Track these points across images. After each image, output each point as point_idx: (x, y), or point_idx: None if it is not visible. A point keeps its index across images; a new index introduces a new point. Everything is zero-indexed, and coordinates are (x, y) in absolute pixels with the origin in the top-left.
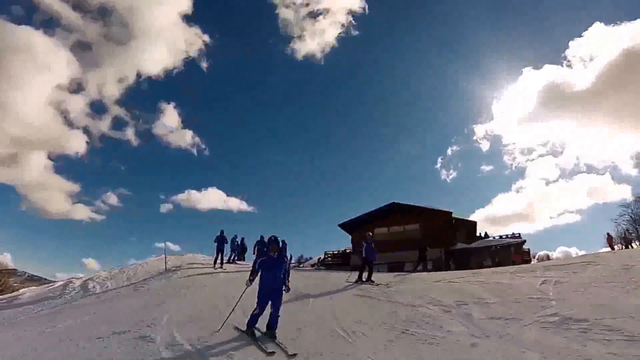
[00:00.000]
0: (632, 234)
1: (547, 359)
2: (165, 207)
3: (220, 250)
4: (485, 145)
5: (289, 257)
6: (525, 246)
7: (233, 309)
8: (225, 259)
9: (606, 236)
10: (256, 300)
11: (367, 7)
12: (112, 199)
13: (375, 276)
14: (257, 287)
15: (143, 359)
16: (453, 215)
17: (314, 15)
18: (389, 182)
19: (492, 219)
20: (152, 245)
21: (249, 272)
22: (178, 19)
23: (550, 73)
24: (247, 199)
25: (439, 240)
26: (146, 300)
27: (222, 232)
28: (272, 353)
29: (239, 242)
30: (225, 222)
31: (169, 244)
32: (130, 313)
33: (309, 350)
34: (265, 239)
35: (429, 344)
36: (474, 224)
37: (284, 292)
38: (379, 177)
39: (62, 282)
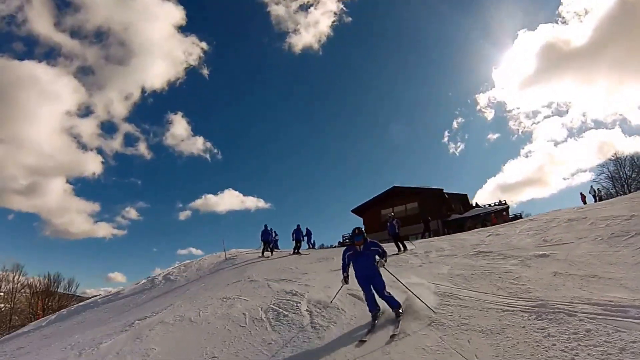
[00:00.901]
0: (606, 192)
1: (452, 268)
2: (183, 215)
3: (265, 241)
4: (489, 114)
5: (313, 243)
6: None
7: (334, 297)
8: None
9: (580, 195)
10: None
11: None
12: (132, 213)
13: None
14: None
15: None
16: (445, 191)
17: (305, 7)
18: (398, 164)
19: (504, 187)
20: (175, 253)
21: (341, 269)
22: (173, 30)
23: (545, 32)
24: (264, 196)
25: (436, 213)
26: (240, 270)
27: (265, 226)
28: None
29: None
30: (245, 221)
31: (191, 249)
32: (253, 273)
33: None
34: (303, 229)
35: (397, 267)
36: (465, 196)
37: (382, 270)
38: (387, 159)
39: (145, 279)
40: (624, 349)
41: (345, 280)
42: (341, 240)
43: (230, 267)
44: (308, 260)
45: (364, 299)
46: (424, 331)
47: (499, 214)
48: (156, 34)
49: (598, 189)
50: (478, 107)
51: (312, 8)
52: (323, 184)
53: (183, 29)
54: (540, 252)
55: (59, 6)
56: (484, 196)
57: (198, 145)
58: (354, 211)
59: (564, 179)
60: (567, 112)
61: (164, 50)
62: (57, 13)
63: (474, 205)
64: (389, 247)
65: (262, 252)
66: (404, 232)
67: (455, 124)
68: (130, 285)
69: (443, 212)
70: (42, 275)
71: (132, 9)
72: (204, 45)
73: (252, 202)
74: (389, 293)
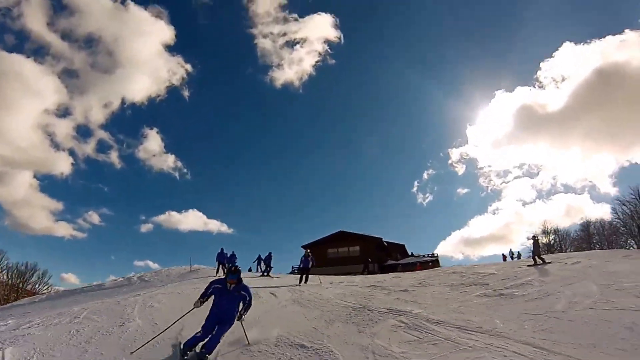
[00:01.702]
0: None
1: (336, 290)
2: (145, 227)
3: (220, 263)
4: (460, 169)
5: (270, 267)
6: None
7: (170, 326)
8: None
9: (502, 255)
10: (203, 322)
11: (342, 36)
12: (94, 217)
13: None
14: (208, 310)
15: None
16: (384, 240)
17: (291, 44)
18: (364, 206)
19: (468, 241)
20: (132, 263)
21: (201, 294)
22: (161, 48)
23: (522, 95)
24: (227, 222)
25: (375, 258)
26: (204, 279)
27: (222, 249)
28: None
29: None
30: (205, 243)
31: (149, 261)
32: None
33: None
34: (227, 253)
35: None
36: (402, 246)
37: (235, 321)
38: (353, 200)
39: (122, 278)
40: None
41: (201, 303)
42: (290, 271)
43: (195, 277)
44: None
45: (196, 332)
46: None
47: (425, 264)
48: (144, 50)
49: (518, 252)
50: (450, 161)
51: (298, 46)
52: (286, 217)
53: (171, 49)
54: (404, 289)
55: (54, 7)
56: (446, 248)
57: (169, 162)
58: (304, 246)
59: (528, 238)
60: (537, 174)
61: (149, 66)
62: (52, 13)
63: (410, 254)
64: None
65: (216, 272)
66: (345, 270)
67: (425, 175)
68: (107, 282)
69: (382, 257)
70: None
71: (124, 22)
72: (188, 67)
73: (215, 226)
74: (222, 339)
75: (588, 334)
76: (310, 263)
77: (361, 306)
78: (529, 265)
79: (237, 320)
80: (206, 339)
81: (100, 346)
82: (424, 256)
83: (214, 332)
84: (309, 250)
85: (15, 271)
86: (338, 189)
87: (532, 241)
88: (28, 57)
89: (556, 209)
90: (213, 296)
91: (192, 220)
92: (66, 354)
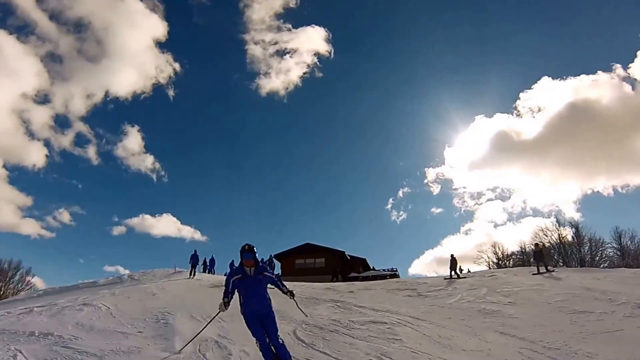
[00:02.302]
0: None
1: (298, 289)
2: (117, 230)
3: (193, 265)
4: (436, 189)
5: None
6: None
7: (203, 329)
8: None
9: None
10: (250, 330)
11: (333, 51)
12: (65, 216)
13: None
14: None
15: None
16: (347, 254)
17: (281, 54)
18: (337, 220)
19: (440, 260)
20: (101, 268)
21: (222, 293)
22: (152, 43)
23: (501, 121)
24: (201, 228)
25: (339, 269)
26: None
27: (195, 251)
28: None
29: (210, 260)
30: (178, 249)
31: (119, 267)
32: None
33: None
34: (205, 257)
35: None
36: (364, 260)
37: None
38: (328, 214)
39: (114, 277)
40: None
41: (225, 305)
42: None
43: (179, 277)
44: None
45: (256, 345)
46: None
47: (384, 277)
48: (134, 42)
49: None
50: (426, 181)
51: (288, 56)
52: (260, 226)
53: (161, 45)
54: (351, 291)
55: None
56: (420, 266)
57: (147, 163)
58: (275, 256)
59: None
60: (509, 197)
61: (137, 61)
62: None
63: (372, 268)
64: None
65: (190, 274)
66: (312, 280)
67: (400, 193)
68: (101, 280)
69: (345, 270)
70: None
71: (117, 11)
72: (177, 66)
73: (189, 232)
74: (282, 340)
75: (454, 314)
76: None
77: (312, 297)
78: (533, 274)
79: (291, 298)
80: (273, 347)
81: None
82: (384, 270)
83: (268, 340)
84: (265, 260)
85: None
86: (312, 201)
87: (534, 248)
88: (10, 33)
89: (525, 231)
90: (237, 292)
91: (165, 225)
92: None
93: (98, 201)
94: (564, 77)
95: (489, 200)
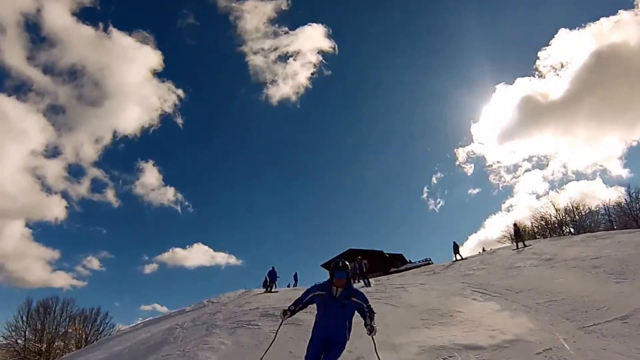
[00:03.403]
0: None
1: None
2: (149, 268)
3: (272, 281)
4: (469, 169)
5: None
6: None
7: (271, 344)
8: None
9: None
10: (307, 346)
11: (336, 46)
12: (94, 263)
13: None
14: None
15: None
16: (386, 252)
17: (283, 58)
18: (375, 220)
19: (486, 243)
20: (138, 309)
21: (294, 300)
22: (149, 75)
23: (523, 86)
24: (235, 252)
25: (380, 267)
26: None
27: (273, 268)
28: None
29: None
30: (214, 278)
31: (156, 305)
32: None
33: None
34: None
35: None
36: (400, 255)
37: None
38: (364, 216)
39: (195, 304)
40: None
41: (287, 313)
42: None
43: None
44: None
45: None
46: None
47: (417, 267)
48: (132, 77)
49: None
50: (457, 162)
51: (291, 59)
52: (294, 240)
53: (159, 74)
54: (387, 279)
55: (33, 40)
56: (466, 252)
57: (169, 195)
58: (323, 266)
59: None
60: (547, 165)
61: (138, 95)
62: (31, 46)
63: (409, 261)
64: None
65: (269, 289)
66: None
67: (434, 180)
68: (188, 308)
69: (386, 267)
70: None
71: (108, 50)
72: (180, 92)
73: (223, 258)
74: None
75: (444, 279)
76: (364, 267)
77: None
78: (513, 250)
79: (370, 334)
80: None
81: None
82: (419, 262)
83: None
84: (359, 257)
85: (82, 317)
86: (345, 205)
87: (513, 227)
88: (9, 95)
89: (570, 198)
90: (316, 307)
91: (197, 255)
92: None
93: (125, 243)
94: (583, 25)
95: (526, 171)
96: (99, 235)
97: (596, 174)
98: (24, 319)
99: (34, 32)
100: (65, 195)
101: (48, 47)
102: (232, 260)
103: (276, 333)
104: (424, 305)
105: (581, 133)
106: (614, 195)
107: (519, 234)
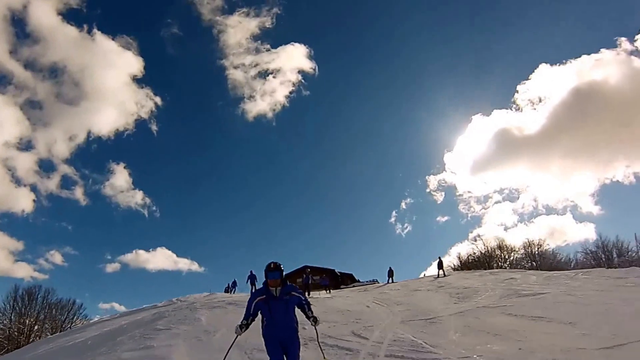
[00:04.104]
0: None
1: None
2: (111, 267)
3: (253, 284)
4: (439, 197)
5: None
6: None
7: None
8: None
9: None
10: (267, 353)
11: (317, 67)
12: (57, 257)
13: None
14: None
15: None
16: (337, 271)
17: (263, 75)
18: (343, 241)
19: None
20: (96, 306)
21: (243, 315)
22: (129, 80)
23: (500, 118)
24: (198, 259)
25: (331, 285)
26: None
27: (251, 271)
28: None
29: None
30: (175, 282)
31: (114, 304)
32: None
33: None
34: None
35: None
36: (351, 275)
37: (300, 333)
38: (330, 234)
39: (166, 301)
40: None
41: (241, 328)
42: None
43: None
44: None
45: None
46: None
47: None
48: (111, 81)
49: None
50: (428, 190)
51: (271, 76)
52: (259, 252)
53: (139, 80)
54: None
55: (17, 34)
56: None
57: (137, 199)
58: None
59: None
60: (518, 197)
61: (116, 98)
62: (15, 41)
63: (357, 280)
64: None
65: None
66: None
67: (403, 205)
68: (160, 304)
69: (337, 284)
70: None
71: (91, 52)
72: (157, 99)
73: (186, 264)
74: None
75: (367, 295)
76: (310, 279)
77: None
78: (434, 277)
79: (314, 324)
80: None
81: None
82: (366, 281)
83: None
84: (308, 270)
85: (59, 306)
86: (311, 223)
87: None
88: None
89: (539, 231)
90: (260, 314)
91: (160, 259)
92: None
93: (89, 241)
94: (564, 61)
95: (496, 202)
96: (64, 231)
97: (567, 209)
98: (11, 303)
99: (19, 27)
100: (34, 188)
101: (31, 44)
102: (195, 267)
103: (230, 346)
104: (335, 308)
105: (555, 168)
106: (584, 230)
107: (441, 266)
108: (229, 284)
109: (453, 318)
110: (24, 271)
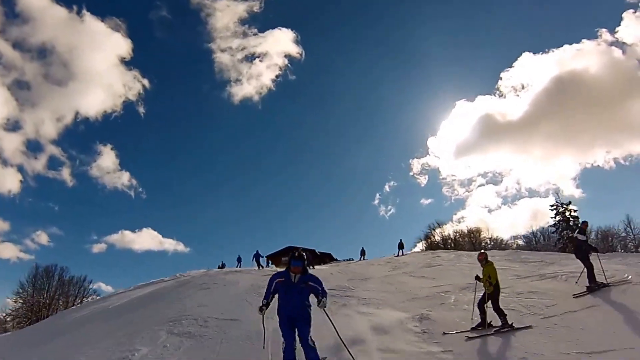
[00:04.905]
0: None
1: None
2: (97, 247)
3: (258, 262)
4: (423, 180)
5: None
6: None
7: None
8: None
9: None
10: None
11: (303, 52)
12: (43, 237)
13: None
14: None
15: None
16: (317, 251)
17: (250, 59)
18: (326, 222)
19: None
20: (69, 288)
21: (264, 294)
22: (117, 62)
23: (484, 104)
24: (183, 240)
25: (314, 262)
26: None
27: (257, 251)
28: None
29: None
30: (160, 262)
31: (101, 284)
32: None
33: None
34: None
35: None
36: (329, 254)
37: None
38: (314, 215)
39: (173, 275)
40: None
41: (261, 309)
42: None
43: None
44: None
45: (282, 345)
46: None
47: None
48: (100, 62)
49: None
50: (412, 173)
51: (257, 60)
52: (243, 232)
53: (127, 62)
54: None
55: (6, 14)
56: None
57: (123, 180)
58: (268, 257)
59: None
60: (501, 181)
61: (104, 80)
62: (4, 20)
63: (335, 259)
64: None
65: (258, 267)
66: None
67: (387, 188)
68: (167, 278)
69: (316, 263)
70: None
71: (79, 33)
72: (145, 82)
73: (171, 245)
74: (314, 343)
75: (339, 269)
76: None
77: None
78: (395, 256)
79: (319, 306)
80: (303, 348)
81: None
82: (343, 260)
83: (301, 342)
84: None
85: (72, 282)
86: (296, 204)
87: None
88: None
89: (522, 214)
90: (277, 294)
91: (146, 239)
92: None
93: (76, 221)
94: (546, 50)
95: (480, 185)
96: (50, 212)
97: (549, 192)
98: (32, 280)
99: (9, 6)
100: (21, 169)
101: (20, 23)
102: (180, 247)
103: (263, 326)
104: None
105: (537, 152)
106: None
107: (401, 246)
108: (222, 263)
109: (378, 278)
110: (9, 251)
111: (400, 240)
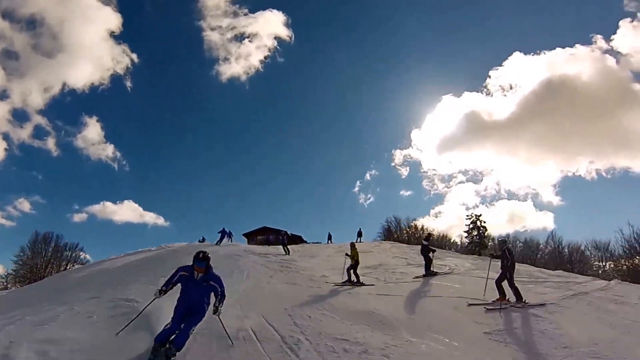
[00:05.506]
0: None
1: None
2: (79, 217)
3: (221, 239)
4: (404, 171)
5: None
6: None
7: (138, 315)
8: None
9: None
10: (172, 314)
11: (293, 36)
12: (25, 205)
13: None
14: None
15: None
16: (289, 232)
17: (240, 38)
18: (305, 204)
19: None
20: (62, 254)
21: (165, 281)
22: (106, 35)
23: (470, 101)
24: (164, 214)
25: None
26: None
27: (223, 229)
28: None
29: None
30: (139, 235)
31: (80, 253)
32: None
33: None
34: (226, 230)
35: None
36: (300, 236)
37: (206, 313)
38: (293, 198)
39: (156, 247)
40: None
41: (160, 293)
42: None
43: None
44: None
45: (165, 325)
46: None
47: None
48: (89, 35)
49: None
50: (393, 163)
51: (247, 40)
52: (223, 210)
53: (117, 36)
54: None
55: None
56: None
57: (108, 152)
58: (244, 235)
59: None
60: (481, 180)
61: (93, 53)
62: None
63: (304, 241)
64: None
65: (218, 243)
66: (267, 250)
67: (368, 176)
68: (154, 248)
69: (288, 243)
70: None
71: (70, 5)
72: (134, 56)
73: (151, 218)
74: (191, 334)
75: (304, 251)
76: (285, 240)
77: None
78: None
79: (214, 314)
80: (175, 333)
81: None
82: (312, 242)
83: (182, 326)
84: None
85: (66, 248)
86: (277, 186)
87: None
88: None
89: (499, 215)
90: (180, 284)
91: (127, 211)
92: None
93: (58, 190)
94: (538, 51)
95: (460, 182)
96: (34, 180)
97: (528, 196)
98: (31, 244)
99: None
100: (6, 137)
101: None
102: (160, 221)
103: (145, 306)
104: (272, 249)
105: (520, 155)
106: (543, 219)
107: (360, 234)
108: (202, 237)
109: (321, 257)
110: None
111: (360, 229)
